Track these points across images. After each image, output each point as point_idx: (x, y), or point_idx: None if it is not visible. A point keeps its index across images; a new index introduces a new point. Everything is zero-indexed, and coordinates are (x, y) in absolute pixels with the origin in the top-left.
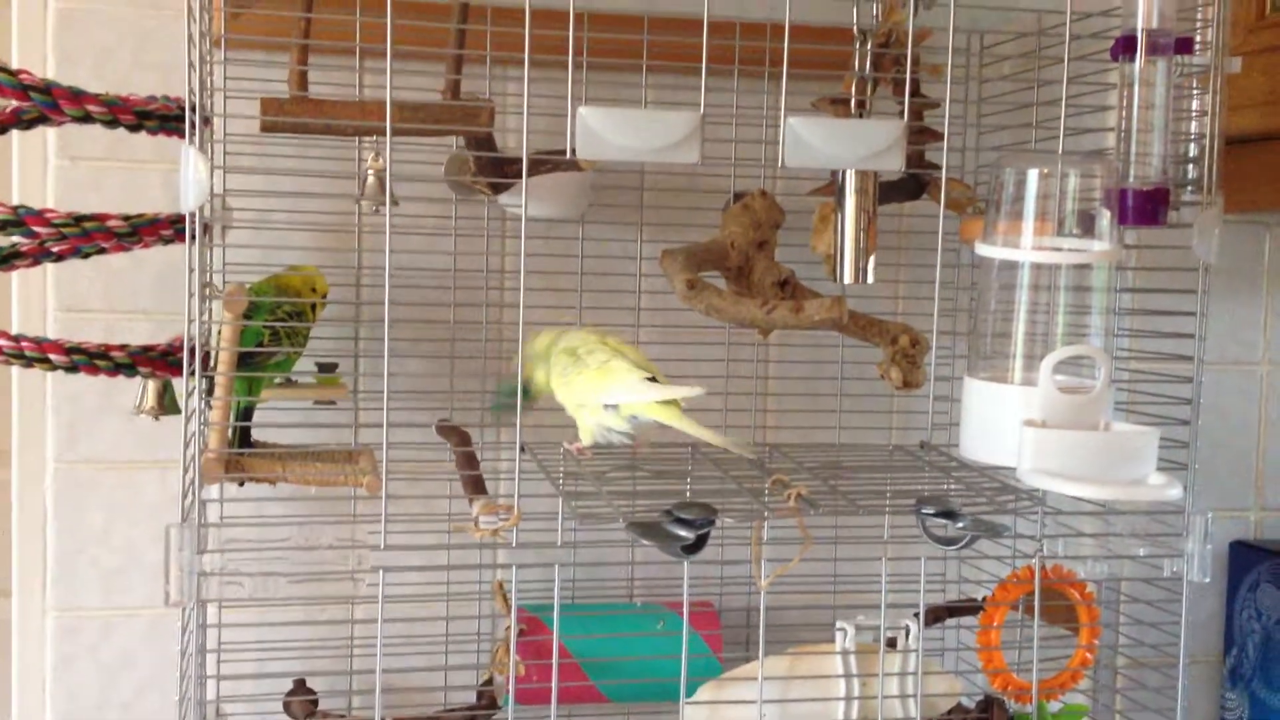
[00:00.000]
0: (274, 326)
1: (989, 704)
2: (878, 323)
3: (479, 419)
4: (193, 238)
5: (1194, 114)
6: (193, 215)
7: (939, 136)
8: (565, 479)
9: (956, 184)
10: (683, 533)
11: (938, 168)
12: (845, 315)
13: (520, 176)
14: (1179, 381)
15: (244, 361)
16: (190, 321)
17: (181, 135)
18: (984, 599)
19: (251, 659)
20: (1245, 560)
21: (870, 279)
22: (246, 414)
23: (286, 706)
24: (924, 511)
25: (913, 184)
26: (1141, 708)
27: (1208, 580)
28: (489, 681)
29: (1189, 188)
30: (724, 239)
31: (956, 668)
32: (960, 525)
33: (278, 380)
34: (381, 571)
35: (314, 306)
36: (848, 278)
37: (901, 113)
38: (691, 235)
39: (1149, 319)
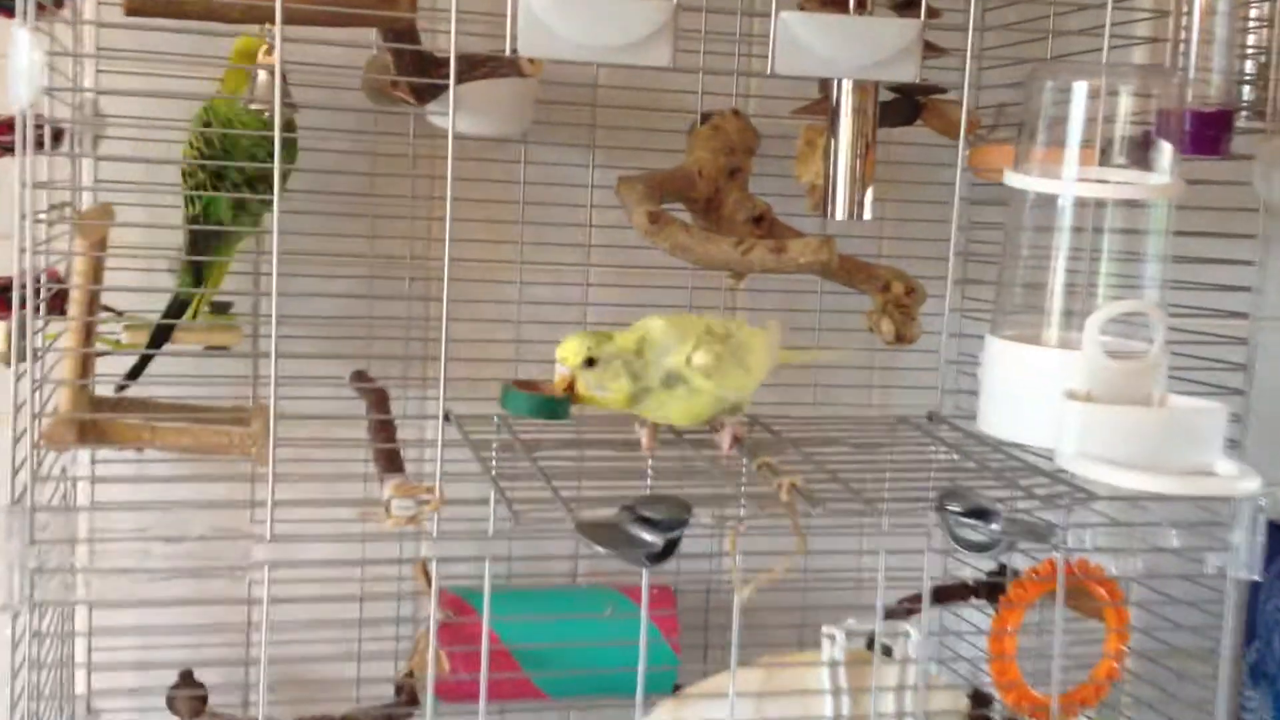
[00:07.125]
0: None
1: None
2: (866, 267)
3: (400, 372)
4: (23, 143)
5: (1251, 24)
6: (24, 115)
7: (940, 50)
8: (497, 456)
9: (957, 106)
10: (649, 537)
11: (940, 88)
12: (835, 258)
13: (450, 82)
14: (1230, 343)
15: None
16: (22, 251)
17: (11, 14)
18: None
19: (131, 645)
20: (1276, 543)
21: (868, 214)
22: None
23: (170, 702)
24: (949, 510)
25: (907, 106)
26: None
27: (1258, 578)
28: (410, 674)
29: (1244, 112)
30: (690, 166)
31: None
32: (995, 527)
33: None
34: (267, 568)
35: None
36: (840, 213)
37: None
38: (650, 161)
39: (1195, 268)
